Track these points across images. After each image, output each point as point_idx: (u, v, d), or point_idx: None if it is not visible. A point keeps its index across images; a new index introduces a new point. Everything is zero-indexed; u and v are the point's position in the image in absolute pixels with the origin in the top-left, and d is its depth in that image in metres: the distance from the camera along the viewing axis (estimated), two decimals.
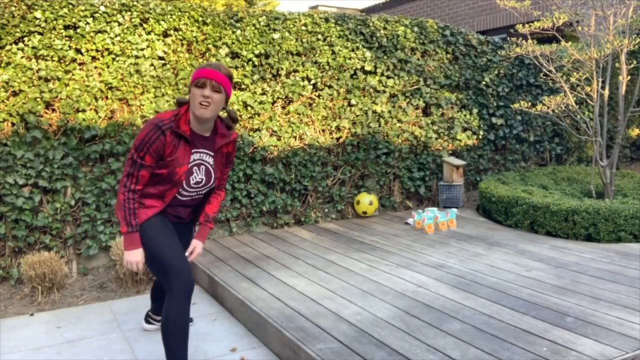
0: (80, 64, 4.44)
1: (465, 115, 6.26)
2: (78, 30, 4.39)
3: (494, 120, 6.40)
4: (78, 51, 4.43)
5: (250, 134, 5.07)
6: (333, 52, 5.48)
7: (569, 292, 3.29)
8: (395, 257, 4.17)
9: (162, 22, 4.68)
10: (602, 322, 2.83)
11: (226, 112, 2.70)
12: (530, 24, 5.27)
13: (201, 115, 2.48)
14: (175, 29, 4.77)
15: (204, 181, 2.66)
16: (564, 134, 6.95)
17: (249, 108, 5.06)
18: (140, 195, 2.61)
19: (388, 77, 5.80)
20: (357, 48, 5.61)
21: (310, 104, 5.40)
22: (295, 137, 5.33)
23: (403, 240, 4.68)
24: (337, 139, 5.57)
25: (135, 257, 2.56)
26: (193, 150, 2.57)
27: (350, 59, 5.55)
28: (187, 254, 2.82)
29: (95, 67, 4.49)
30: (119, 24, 4.54)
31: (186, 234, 2.94)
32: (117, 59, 4.52)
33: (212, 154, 2.65)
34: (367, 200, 5.51)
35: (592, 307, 3.05)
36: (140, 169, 2.51)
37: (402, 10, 13.04)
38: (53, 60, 4.32)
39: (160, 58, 4.71)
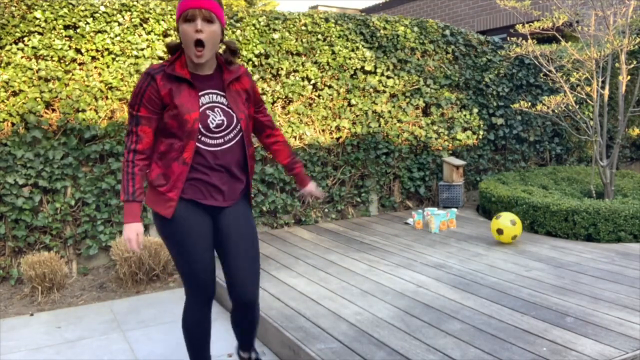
0: (80, 64, 4.44)
1: (465, 115, 6.26)
2: (78, 30, 4.39)
3: (494, 120, 6.40)
4: (78, 51, 4.43)
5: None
6: (333, 52, 5.48)
7: (569, 292, 3.29)
8: (395, 257, 4.17)
9: (162, 22, 4.68)
10: (602, 322, 2.83)
11: (224, 45, 2.29)
12: (530, 24, 5.26)
13: (199, 59, 2.13)
14: (176, 29, 4.77)
15: (225, 122, 2.23)
16: (564, 134, 6.95)
17: None
18: (162, 165, 2.22)
19: (388, 77, 5.80)
20: (357, 48, 5.61)
21: (310, 104, 5.40)
22: (295, 137, 5.33)
23: (403, 240, 4.68)
24: (337, 139, 5.57)
25: (131, 232, 2.17)
26: (200, 94, 2.20)
27: (350, 59, 5.55)
28: (309, 194, 2.59)
29: (95, 67, 4.49)
30: (119, 24, 4.54)
31: (238, 219, 2.36)
32: (117, 59, 4.52)
33: (223, 93, 2.26)
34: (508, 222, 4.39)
35: (592, 307, 3.05)
36: (138, 124, 2.17)
37: (402, 10, 13.04)
38: (53, 60, 4.32)
39: (160, 58, 4.71)
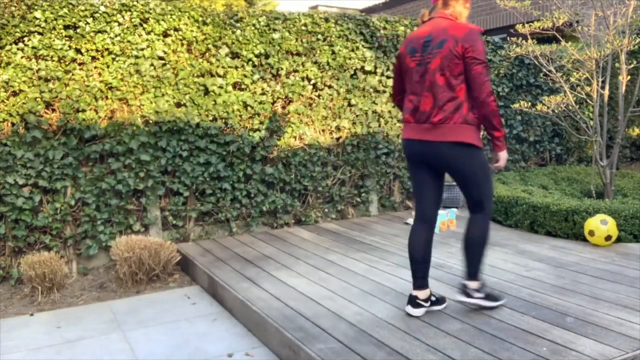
0: (80, 64, 4.44)
1: None
2: (78, 30, 4.39)
3: None
4: (78, 51, 4.43)
5: (250, 134, 5.07)
6: (333, 52, 5.48)
7: (569, 292, 3.29)
8: (395, 257, 4.17)
9: (162, 22, 4.68)
10: (602, 322, 2.83)
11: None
12: (530, 24, 5.26)
13: None
14: (175, 29, 4.77)
15: None
16: (564, 134, 6.95)
17: (249, 108, 5.06)
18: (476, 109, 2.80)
19: (388, 77, 5.80)
20: (357, 48, 5.61)
21: (310, 104, 5.40)
22: (295, 137, 5.34)
23: (403, 240, 4.68)
24: (337, 139, 5.57)
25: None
26: None
27: (350, 59, 5.55)
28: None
29: (95, 67, 4.49)
30: (119, 24, 4.54)
31: None
32: (117, 59, 4.52)
33: None
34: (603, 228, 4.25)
35: (592, 307, 3.05)
36: None
37: (402, 10, 13.04)
38: (53, 60, 4.32)
39: (160, 58, 4.71)
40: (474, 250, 2.95)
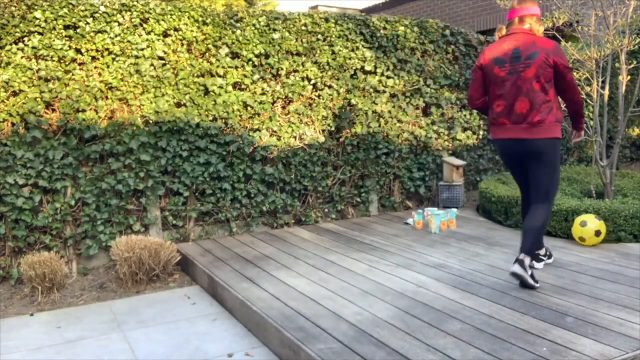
0: (80, 64, 4.44)
1: (465, 115, 6.26)
2: (78, 30, 4.39)
3: None
4: (78, 51, 4.43)
5: (250, 134, 5.07)
6: (333, 52, 5.48)
7: (569, 292, 3.29)
8: (395, 257, 4.17)
9: (162, 22, 4.68)
10: (602, 322, 2.83)
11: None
12: None
13: None
14: (175, 29, 4.77)
15: None
16: (564, 134, 6.94)
17: (249, 108, 5.06)
18: (558, 108, 3.37)
19: (388, 77, 5.80)
20: (357, 48, 5.61)
21: (310, 104, 5.40)
22: (295, 137, 5.34)
23: (403, 240, 4.68)
24: (337, 139, 5.57)
25: None
26: None
27: (350, 59, 5.55)
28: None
29: (95, 67, 4.49)
30: (119, 24, 4.54)
31: None
32: (117, 59, 4.53)
33: None
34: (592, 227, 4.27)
35: (592, 307, 3.05)
36: None
37: (402, 10, 13.04)
38: (53, 60, 4.32)
39: (160, 58, 4.71)
40: (534, 234, 3.35)
